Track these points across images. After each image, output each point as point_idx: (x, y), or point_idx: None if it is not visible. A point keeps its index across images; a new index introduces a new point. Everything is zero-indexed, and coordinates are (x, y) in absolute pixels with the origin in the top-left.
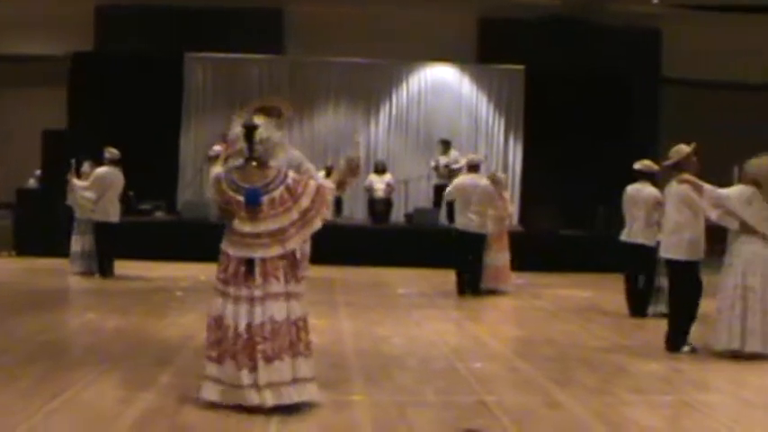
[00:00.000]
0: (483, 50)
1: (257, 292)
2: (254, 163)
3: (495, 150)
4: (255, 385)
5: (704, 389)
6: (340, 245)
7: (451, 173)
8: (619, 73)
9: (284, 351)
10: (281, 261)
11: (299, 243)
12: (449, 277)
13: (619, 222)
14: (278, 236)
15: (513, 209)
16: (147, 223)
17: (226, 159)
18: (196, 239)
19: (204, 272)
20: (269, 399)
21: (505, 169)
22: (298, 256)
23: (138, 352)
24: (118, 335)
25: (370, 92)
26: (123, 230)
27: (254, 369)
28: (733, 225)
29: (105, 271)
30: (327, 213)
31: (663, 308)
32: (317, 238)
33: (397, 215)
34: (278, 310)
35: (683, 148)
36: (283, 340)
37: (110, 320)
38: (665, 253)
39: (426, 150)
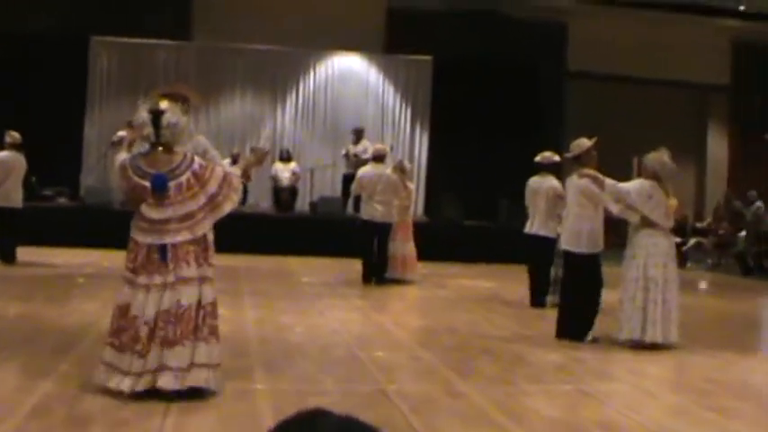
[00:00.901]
0: (390, 40)
1: (170, 278)
2: (160, 148)
3: (401, 140)
4: (147, 371)
5: (604, 378)
6: (245, 233)
7: (360, 162)
8: (526, 65)
9: (186, 336)
10: (192, 245)
11: (208, 228)
12: (354, 266)
13: (521, 214)
14: (186, 221)
15: (417, 198)
16: (49, 209)
17: (131, 145)
18: (99, 225)
19: (107, 258)
20: (164, 382)
21: (411, 159)
22: (210, 240)
23: (39, 339)
24: (18, 322)
25: (276, 80)
26: (26, 216)
27: (148, 354)
28: (634, 219)
29: (7, 257)
30: (236, 199)
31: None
32: (221, 227)
33: (302, 204)
34: (187, 295)
35: (584, 142)
36: (187, 325)
37: (11, 307)
38: (565, 245)
39: (332, 139)
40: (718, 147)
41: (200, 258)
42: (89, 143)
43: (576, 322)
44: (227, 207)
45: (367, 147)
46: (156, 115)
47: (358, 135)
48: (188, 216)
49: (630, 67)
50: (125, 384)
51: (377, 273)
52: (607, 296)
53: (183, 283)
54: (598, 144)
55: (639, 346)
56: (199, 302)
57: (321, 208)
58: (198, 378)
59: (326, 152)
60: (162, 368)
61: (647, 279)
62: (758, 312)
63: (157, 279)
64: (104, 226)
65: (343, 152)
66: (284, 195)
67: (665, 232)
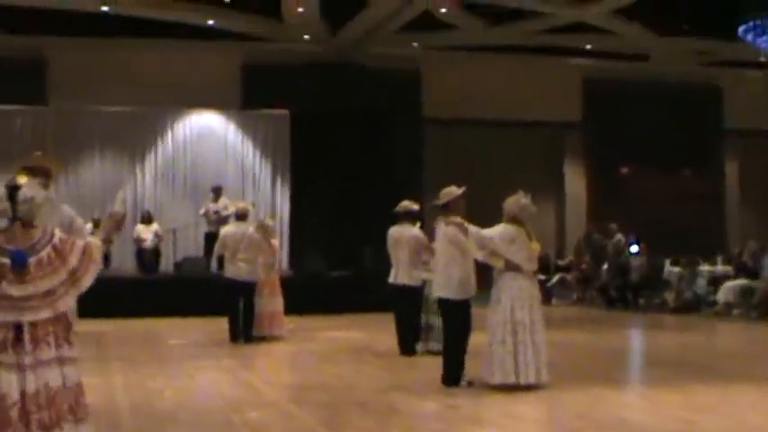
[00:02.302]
0: (247, 96)
1: (27, 359)
2: (18, 224)
3: (262, 195)
4: None
5: (478, 424)
6: (109, 297)
7: (220, 220)
8: (382, 114)
9: (63, 419)
10: (52, 326)
11: (69, 304)
12: (221, 325)
13: (385, 261)
14: (47, 297)
15: (281, 254)
16: None
17: None
18: None
19: None
20: None
21: (273, 213)
22: (70, 318)
23: None
24: None
25: (135, 141)
26: None
27: None
28: (499, 264)
29: None
30: (96, 271)
31: (433, 345)
32: (85, 291)
33: (167, 264)
34: (53, 377)
35: (454, 190)
36: (60, 408)
37: None
38: (436, 292)
39: (193, 198)
40: (575, 183)
41: (59, 338)
42: None
43: (450, 368)
44: (87, 281)
45: (227, 204)
46: (12, 190)
47: (217, 193)
48: (50, 292)
49: (485, 110)
50: None
51: (244, 331)
52: (477, 338)
53: (43, 366)
54: (466, 193)
55: (512, 388)
56: (64, 383)
57: (185, 268)
58: None
59: (188, 212)
60: None
61: (514, 323)
62: (624, 344)
63: (12, 358)
64: None
65: (202, 211)
66: (147, 257)
67: (530, 275)
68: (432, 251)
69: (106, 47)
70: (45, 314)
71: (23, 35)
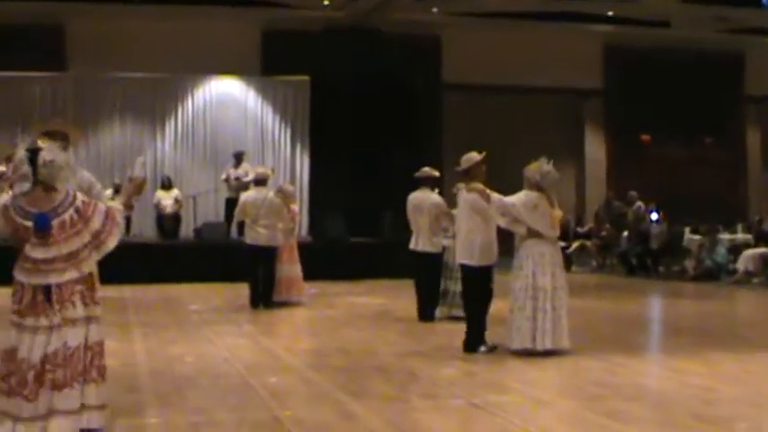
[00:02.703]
0: (267, 62)
1: (56, 320)
2: (40, 187)
3: (282, 161)
4: (38, 417)
5: (496, 390)
6: (130, 263)
7: (242, 186)
8: (402, 80)
9: (75, 378)
10: (79, 285)
11: (94, 264)
12: (241, 291)
13: (405, 226)
14: (71, 259)
15: (301, 219)
16: None
17: (11, 186)
18: None
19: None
20: (55, 427)
21: (293, 180)
22: (95, 277)
23: None
24: None
25: (155, 107)
26: None
27: (37, 399)
28: (521, 230)
29: None
30: (119, 234)
31: (453, 311)
32: (106, 257)
33: (187, 230)
34: (73, 336)
35: (474, 156)
36: (75, 367)
37: None
38: (459, 258)
39: (213, 164)
40: (595, 151)
41: (86, 298)
42: None
43: (471, 334)
44: (111, 243)
45: (248, 170)
46: (34, 153)
47: (238, 158)
48: (73, 254)
49: (505, 76)
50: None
51: (264, 297)
52: (500, 305)
53: (69, 325)
54: (486, 159)
55: (532, 354)
56: (86, 343)
57: (205, 234)
58: (90, 420)
59: (208, 177)
60: (52, 413)
61: (535, 288)
62: (644, 312)
63: (44, 321)
64: None
65: (224, 176)
66: (168, 223)
67: (552, 241)
68: (451, 217)
69: (125, 13)
70: (69, 275)
71: (42, 1)
